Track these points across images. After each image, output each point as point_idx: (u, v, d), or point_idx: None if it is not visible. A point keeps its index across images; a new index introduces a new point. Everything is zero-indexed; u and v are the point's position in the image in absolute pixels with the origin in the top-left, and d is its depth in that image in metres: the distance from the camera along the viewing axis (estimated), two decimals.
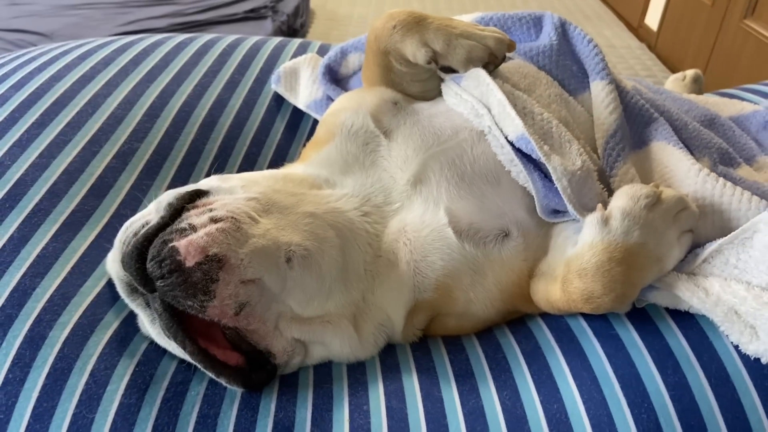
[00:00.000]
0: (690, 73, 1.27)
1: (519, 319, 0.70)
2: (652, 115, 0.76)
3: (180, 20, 2.47)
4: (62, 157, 0.81)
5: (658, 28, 2.90)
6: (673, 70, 2.55)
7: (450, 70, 0.74)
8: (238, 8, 2.62)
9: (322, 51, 1.10)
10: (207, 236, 0.56)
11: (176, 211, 0.61)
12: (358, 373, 0.65)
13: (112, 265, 0.64)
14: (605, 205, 0.62)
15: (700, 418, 0.53)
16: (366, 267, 0.67)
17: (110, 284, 0.68)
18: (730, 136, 0.84)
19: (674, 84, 1.25)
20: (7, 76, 0.93)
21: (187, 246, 0.55)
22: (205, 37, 1.11)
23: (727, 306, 0.57)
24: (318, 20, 2.95)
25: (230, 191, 0.65)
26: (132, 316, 0.66)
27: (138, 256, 0.57)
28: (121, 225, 0.63)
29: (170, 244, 0.56)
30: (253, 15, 2.58)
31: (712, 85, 2.29)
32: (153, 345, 0.64)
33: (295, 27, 2.68)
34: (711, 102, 0.95)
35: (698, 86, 1.25)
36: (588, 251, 0.59)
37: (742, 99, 1.09)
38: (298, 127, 0.98)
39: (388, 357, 0.67)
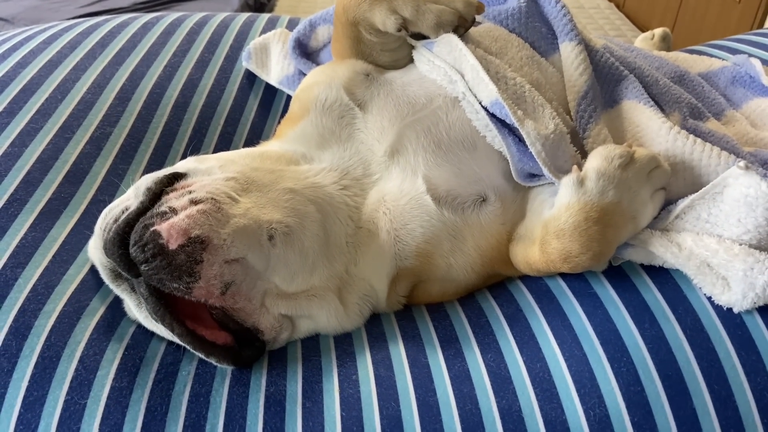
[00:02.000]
0: (658, 31, 1.28)
1: (500, 283, 0.71)
2: (622, 72, 0.77)
3: None
4: (34, 145, 0.80)
5: None
6: (642, 30, 2.57)
7: (421, 37, 0.74)
8: None
9: (291, 25, 1.09)
10: (188, 218, 0.56)
11: (155, 195, 0.61)
12: (345, 344, 0.66)
13: (94, 252, 0.64)
14: (580, 166, 0.63)
15: (678, 368, 0.55)
16: (347, 239, 0.68)
17: (93, 271, 0.68)
18: (699, 91, 0.85)
19: (643, 43, 1.26)
20: None
21: (169, 229, 0.56)
22: (171, 15, 1.10)
23: (699, 259, 0.58)
24: None
25: (208, 172, 0.65)
26: (118, 302, 0.66)
27: (120, 242, 0.57)
28: (100, 211, 0.63)
29: (152, 228, 0.56)
30: None
31: (681, 42, 2.31)
32: (141, 328, 0.65)
33: (261, 1, 2.63)
34: (681, 59, 0.96)
35: (666, 44, 1.26)
36: (565, 212, 0.60)
37: (710, 55, 1.11)
38: (271, 103, 0.97)
39: (374, 327, 0.68)
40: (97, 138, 0.84)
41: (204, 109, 0.92)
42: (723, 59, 0.97)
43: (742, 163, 0.57)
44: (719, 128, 0.77)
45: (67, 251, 0.70)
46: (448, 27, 0.73)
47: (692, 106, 0.79)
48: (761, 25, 1.96)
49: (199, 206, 0.58)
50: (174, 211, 0.57)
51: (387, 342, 0.65)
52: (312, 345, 0.66)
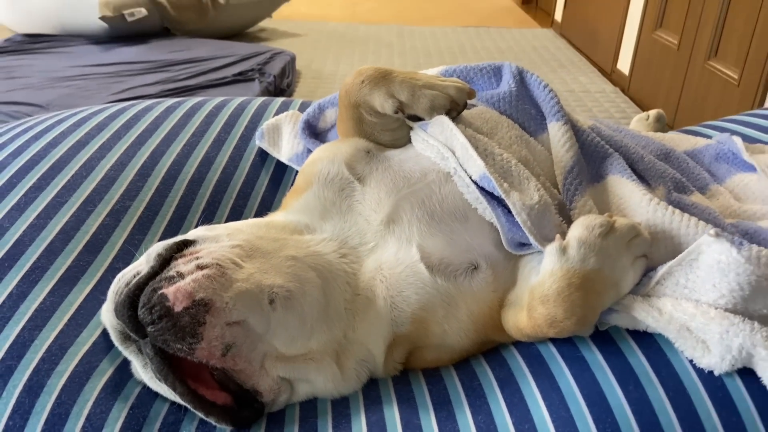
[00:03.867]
0: (653, 113, 1.34)
1: (494, 348, 0.74)
2: (607, 150, 0.82)
3: (171, 86, 2.56)
4: (58, 217, 0.86)
5: (629, 73, 3.01)
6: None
7: (417, 119, 0.80)
8: (227, 72, 2.73)
9: (303, 108, 1.16)
10: (194, 282, 0.61)
11: (165, 260, 0.65)
12: (341, 406, 0.68)
13: (106, 315, 0.68)
14: (564, 235, 0.67)
15: (661, 429, 0.57)
16: (346, 306, 0.71)
17: (105, 334, 0.72)
18: (684, 167, 0.90)
19: (639, 123, 1.32)
20: (5, 144, 0.99)
21: (175, 292, 0.60)
22: (192, 100, 1.18)
23: (679, 323, 0.61)
24: (304, 79, 3.06)
25: (215, 239, 0.69)
26: (126, 363, 0.70)
27: (130, 305, 0.61)
28: (115, 278, 0.67)
29: (159, 292, 0.60)
30: (241, 78, 2.68)
31: (683, 123, 2.38)
32: (146, 389, 0.68)
33: (281, 87, 2.78)
34: (668, 138, 1.01)
35: (661, 125, 1.32)
36: (549, 279, 0.63)
37: (705, 136, 1.16)
38: (281, 179, 1.03)
39: (371, 391, 0.71)
40: (117, 211, 0.89)
41: (218, 184, 0.99)
42: (710, 137, 1.02)
43: (712, 231, 0.60)
44: (703, 201, 0.81)
45: (82, 315, 0.74)
46: (441, 110, 0.79)
47: (677, 180, 0.83)
48: (761, 105, 2.03)
49: (205, 271, 0.62)
50: (181, 276, 0.62)
51: (382, 404, 0.67)
52: (309, 407, 0.68)
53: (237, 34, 3.76)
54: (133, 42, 3.09)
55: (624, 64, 3.10)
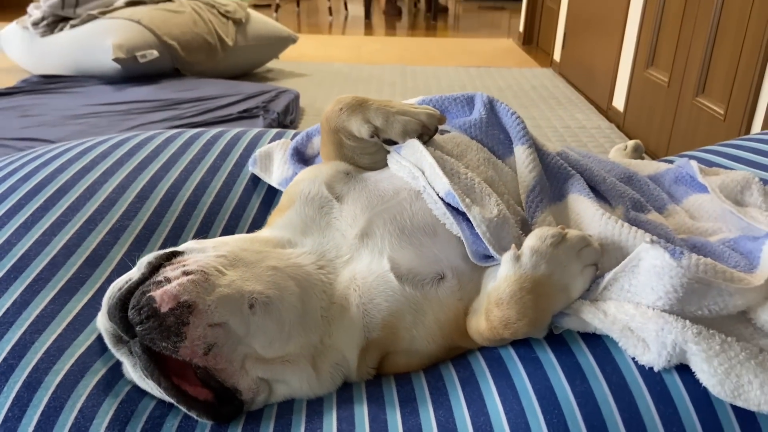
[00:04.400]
0: (630, 143, 1.41)
1: (461, 354, 0.79)
2: (569, 172, 0.89)
3: (179, 123, 2.67)
4: (62, 234, 0.93)
5: (624, 109, 3.10)
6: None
7: (391, 142, 0.87)
8: (233, 109, 2.83)
9: (295, 137, 1.24)
10: (179, 286, 0.67)
11: (155, 268, 0.72)
12: (315, 405, 0.73)
13: (101, 319, 0.74)
14: (520, 246, 0.73)
15: (602, 419, 0.62)
16: (322, 313, 0.77)
17: (100, 338, 0.78)
18: (644, 189, 0.96)
19: (617, 153, 1.39)
20: (16, 170, 1.07)
21: (162, 295, 0.66)
22: (192, 131, 1.26)
23: (621, 324, 0.66)
24: (307, 116, 3.17)
25: (202, 250, 0.76)
26: (118, 365, 0.75)
27: (121, 307, 0.67)
28: None
29: (148, 294, 0.66)
30: (246, 114, 2.79)
31: (675, 155, 2.43)
32: (135, 387, 0.73)
33: (285, 123, 2.87)
34: (633, 164, 1.07)
35: (638, 154, 1.38)
36: (503, 283, 0.69)
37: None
38: (271, 202, 1.10)
39: (345, 392, 0.76)
40: (116, 229, 0.96)
41: (212, 206, 1.06)
42: (671, 163, 1.08)
43: (648, 239, 0.66)
44: (658, 219, 0.87)
45: (80, 321, 0.80)
46: (413, 134, 0.86)
47: (635, 200, 0.90)
48: None
49: (190, 276, 0.68)
50: (168, 281, 0.68)
51: (353, 403, 0.73)
52: (286, 406, 0.74)
53: (245, 74, 3.90)
54: (144, 82, 3.21)
55: (619, 101, 3.19)
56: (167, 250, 0.75)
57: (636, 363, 0.66)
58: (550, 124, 3.16)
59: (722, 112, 2.18)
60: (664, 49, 2.68)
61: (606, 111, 3.34)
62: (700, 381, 0.62)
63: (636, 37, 2.96)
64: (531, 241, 0.71)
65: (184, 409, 0.68)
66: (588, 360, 0.67)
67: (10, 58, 3.77)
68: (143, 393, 0.73)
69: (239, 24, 3.73)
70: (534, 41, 5.42)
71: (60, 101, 3.00)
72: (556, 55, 4.45)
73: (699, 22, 2.36)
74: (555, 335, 0.72)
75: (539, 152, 0.91)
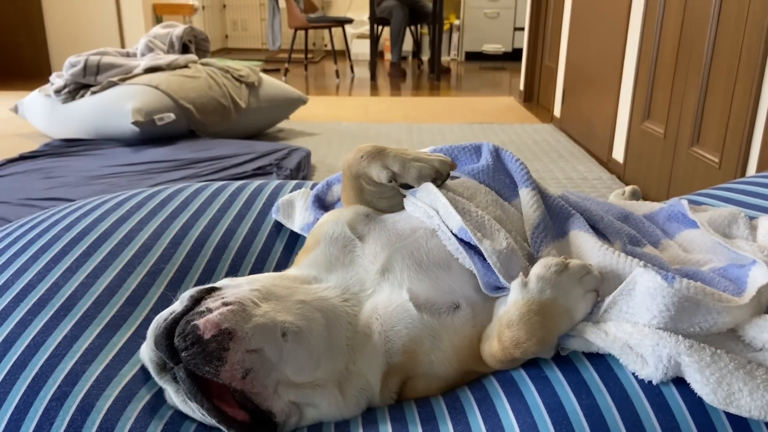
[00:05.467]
0: (628, 188, 1.50)
1: (476, 378, 0.85)
2: (570, 211, 0.97)
3: (196, 181, 2.78)
4: (104, 277, 1.01)
5: (624, 161, 3.20)
6: (642, 196, 2.80)
7: (407, 187, 0.96)
8: (247, 167, 2.95)
9: (314, 187, 1.33)
10: (220, 315, 0.74)
11: (196, 300, 0.79)
12: (343, 426, 0.79)
13: (145, 351, 0.81)
14: (527, 274, 0.81)
15: (607, 429, 0.68)
16: (347, 341, 0.84)
17: (143, 369, 0.85)
18: (640, 226, 1.04)
19: (615, 197, 1.48)
20: (59, 221, 1.16)
21: (205, 323, 0.73)
22: (217, 183, 1.36)
23: (621, 342, 0.73)
24: (318, 173, 3.28)
25: (237, 285, 0.84)
26: (161, 392, 0.82)
27: (168, 336, 0.75)
28: (150, 325, 0.81)
29: (192, 323, 0.74)
30: (260, 172, 2.90)
31: None
32: (178, 413, 0.80)
33: (297, 179, 2.99)
34: (629, 204, 1.16)
35: (636, 198, 1.47)
36: (513, 307, 0.77)
37: None
38: (294, 246, 1.18)
39: (369, 414, 0.82)
40: (153, 272, 1.04)
41: (239, 251, 1.14)
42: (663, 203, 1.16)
43: (641, 263, 0.73)
44: (653, 251, 0.94)
45: (124, 353, 0.87)
46: (428, 178, 0.95)
47: (632, 236, 0.97)
48: None
49: (229, 306, 0.76)
50: (210, 311, 0.75)
51: (378, 423, 0.79)
52: (315, 428, 0.80)
53: (258, 134, 4.05)
54: (161, 143, 3.36)
55: (618, 154, 3.30)
56: (206, 286, 0.83)
57: (636, 377, 0.72)
58: (553, 176, 3.27)
59: (717, 160, 2.28)
60: (659, 102, 2.80)
61: (606, 163, 3.45)
62: (695, 391, 0.68)
63: (631, 92, 3.10)
64: (537, 269, 0.79)
65: (224, 429, 0.75)
66: (592, 376, 0.74)
67: (32, 124, 3.94)
68: (185, 417, 0.79)
69: (252, 87, 3.90)
70: (534, 98, 5.61)
71: (81, 163, 3.14)
72: (557, 111, 4.61)
73: (690, 77, 2.49)
74: (562, 356, 0.79)
75: (542, 194, 0.99)
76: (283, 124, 4.38)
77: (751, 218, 1.02)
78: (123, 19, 6.75)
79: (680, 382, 0.71)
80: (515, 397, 0.75)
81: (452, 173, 1.01)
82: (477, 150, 1.09)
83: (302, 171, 3.08)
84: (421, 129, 4.43)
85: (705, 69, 2.36)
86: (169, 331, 0.75)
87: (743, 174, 2.14)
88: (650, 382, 0.71)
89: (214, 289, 0.82)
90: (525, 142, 4.03)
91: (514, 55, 8.54)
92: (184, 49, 4.14)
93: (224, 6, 9.33)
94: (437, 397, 0.83)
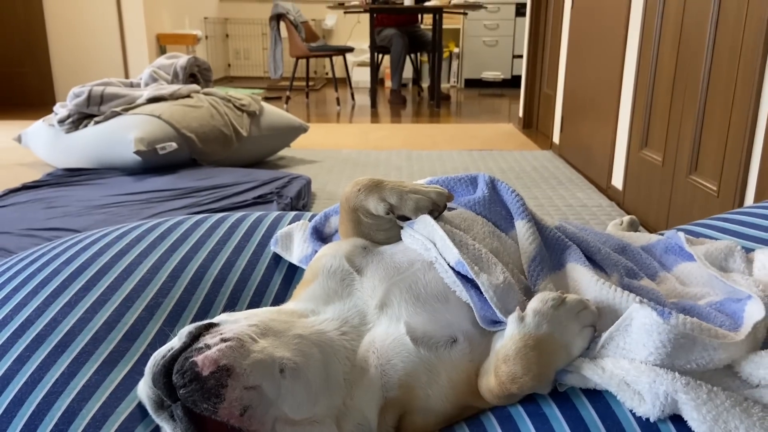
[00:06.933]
0: (626, 218, 1.50)
1: (474, 414, 0.85)
2: (567, 243, 0.97)
3: (197, 209, 2.79)
4: (102, 312, 1.01)
5: (623, 188, 3.22)
6: (641, 223, 2.81)
7: (405, 218, 0.97)
8: (248, 196, 2.96)
9: (312, 219, 1.34)
10: (218, 351, 0.74)
11: (194, 337, 0.79)
12: None
13: (143, 388, 0.81)
14: (523, 308, 0.81)
15: None
16: (345, 376, 0.84)
17: (140, 406, 0.85)
18: (638, 259, 1.04)
19: (614, 228, 1.48)
20: (59, 254, 1.16)
21: (203, 359, 0.73)
22: (217, 215, 1.37)
23: (618, 378, 0.73)
24: (319, 200, 3.30)
25: (235, 321, 0.84)
26: (158, 429, 0.82)
27: (166, 373, 0.74)
28: (148, 362, 0.81)
29: (190, 359, 0.74)
30: (261, 200, 2.92)
31: None
32: None
33: (298, 207, 3.00)
34: (627, 235, 1.16)
35: (633, 228, 1.47)
36: (509, 341, 0.77)
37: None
38: (292, 279, 1.18)
39: None
40: (151, 306, 1.05)
41: (237, 284, 1.14)
42: (661, 235, 1.17)
43: (637, 299, 0.74)
44: (650, 284, 0.94)
45: (121, 390, 0.87)
46: (425, 210, 0.96)
47: (629, 268, 0.98)
48: None
49: (228, 343, 0.76)
50: (208, 347, 0.76)
51: None
52: None
53: (259, 162, 4.08)
54: (162, 172, 3.38)
55: (617, 181, 3.31)
56: (204, 322, 0.83)
57: (633, 414, 0.72)
58: (552, 203, 3.28)
59: (715, 188, 2.29)
60: (657, 130, 2.82)
61: (606, 190, 3.46)
62: (692, 428, 0.67)
63: (629, 119, 3.12)
64: (534, 303, 0.79)
65: None
66: (590, 413, 0.74)
67: (34, 153, 3.97)
68: None
69: (253, 116, 3.94)
70: (534, 125, 5.65)
71: (83, 192, 3.15)
72: (555, 138, 4.64)
73: (687, 105, 2.51)
74: (559, 393, 0.79)
75: (538, 226, 1.00)
76: (284, 152, 4.41)
77: (747, 251, 1.03)
78: (127, 50, 6.84)
79: (677, 420, 0.70)
80: None
81: (449, 204, 1.02)
82: (473, 181, 1.10)
83: (302, 199, 3.09)
84: (421, 156, 4.46)
85: (701, 97, 2.38)
86: (167, 368, 0.75)
87: (741, 202, 2.15)
88: (647, 419, 0.71)
89: (212, 325, 0.82)
90: (524, 169, 4.05)
91: (513, 81, 8.63)
92: (191, 79, 4.19)
93: (227, 36, 9.45)
94: None
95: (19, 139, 4.02)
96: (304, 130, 4.19)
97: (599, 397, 0.76)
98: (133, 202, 2.94)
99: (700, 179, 2.41)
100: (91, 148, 3.51)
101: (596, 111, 3.69)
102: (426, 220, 0.93)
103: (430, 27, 7.22)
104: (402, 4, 7.05)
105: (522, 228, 0.97)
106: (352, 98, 7.56)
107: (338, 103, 7.22)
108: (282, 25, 6.81)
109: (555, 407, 0.76)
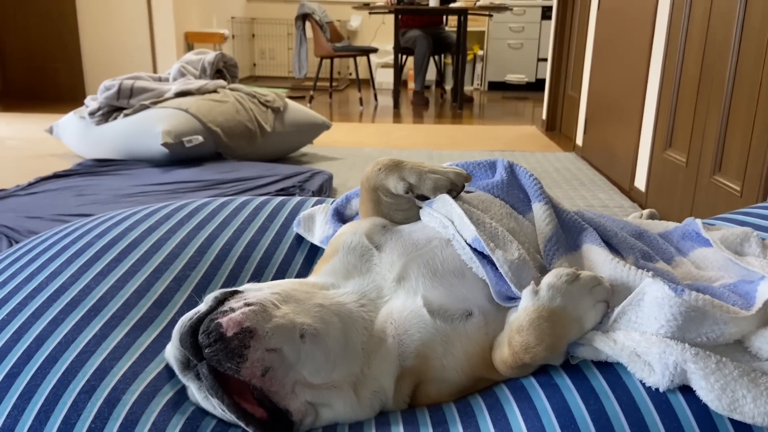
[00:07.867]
0: (646, 211, 1.51)
1: (487, 386, 0.87)
2: (583, 226, 0.99)
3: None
4: (133, 281, 1.05)
5: (646, 189, 3.20)
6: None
7: (423, 198, 0.99)
8: (270, 189, 3.01)
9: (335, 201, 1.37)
10: (242, 314, 0.78)
11: (220, 301, 0.83)
12: (357, 427, 0.82)
13: (171, 350, 0.85)
14: (538, 283, 0.83)
15: None
16: (363, 346, 0.87)
17: (167, 367, 0.89)
18: (654, 244, 1.05)
19: (633, 220, 1.49)
20: (92, 228, 1.21)
21: (228, 321, 0.77)
22: (242, 197, 1.41)
23: (629, 350, 0.75)
24: (340, 195, 3.34)
25: (259, 289, 0.87)
26: (183, 389, 0.85)
27: (192, 333, 0.78)
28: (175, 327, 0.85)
29: (215, 321, 0.77)
30: (283, 193, 2.96)
31: None
32: (199, 409, 0.83)
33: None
34: (644, 223, 1.17)
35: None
36: (523, 313, 0.79)
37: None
38: (314, 258, 1.22)
39: (382, 417, 0.84)
40: (179, 278, 1.09)
41: (261, 261, 1.18)
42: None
43: (650, 274, 0.76)
44: (665, 267, 0.96)
45: (150, 352, 0.91)
46: (443, 190, 0.99)
47: (644, 252, 0.99)
48: None
49: (251, 307, 0.79)
50: (233, 310, 0.79)
51: (390, 425, 0.81)
52: (330, 429, 0.82)
53: (281, 158, 4.13)
54: (188, 165, 3.44)
55: (640, 182, 3.30)
56: (230, 289, 0.87)
57: (643, 384, 0.74)
58: (573, 203, 3.28)
59: (738, 188, 2.28)
60: (681, 131, 2.82)
61: (629, 191, 3.45)
62: (700, 397, 0.69)
63: (653, 121, 3.11)
64: (548, 278, 0.81)
65: (242, 425, 0.77)
66: (600, 383, 0.76)
67: (65, 144, 4.07)
68: (206, 413, 0.82)
69: (277, 112, 4.00)
70: (557, 127, 5.64)
71: (112, 182, 3.23)
72: (579, 140, 4.63)
73: (711, 106, 2.50)
74: (571, 365, 0.81)
75: (556, 209, 1.02)
76: (306, 149, 4.46)
77: (764, 239, 1.04)
78: (156, 46, 6.97)
79: (686, 390, 0.72)
80: (525, 402, 0.77)
81: (467, 187, 1.04)
82: (492, 166, 1.12)
83: (324, 193, 3.13)
84: (442, 155, 4.48)
85: (726, 98, 2.38)
86: (193, 329, 0.78)
87: (764, 199, 2.14)
88: (657, 389, 0.72)
89: (236, 292, 0.86)
90: (546, 170, 4.05)
91: (537, 85, 8.60)
92: (218, 74, 4.26)
93: (253, 35, 9.56)
94: (448, 403, 0.85)
95: (50, 131, 4.12)
96: (327, 127, 4.24)
97: (610, 369, 0.78)
98: (159, 192, 3.01)
99: (723, 179, 2.40)
100: (120, 140, 3.60)
101: (620, 112, 3.68)
102: (445, 198, 0.96)
103: (455, 29, 7.23)
104: (427, 5, 7.07)
105: (539, 210, 0.99)
106: (375, 99, 7.60)
107: (361, 104, 7.27)
108: (307, 25, 6.88)
109: (566, 378, 0.78)
